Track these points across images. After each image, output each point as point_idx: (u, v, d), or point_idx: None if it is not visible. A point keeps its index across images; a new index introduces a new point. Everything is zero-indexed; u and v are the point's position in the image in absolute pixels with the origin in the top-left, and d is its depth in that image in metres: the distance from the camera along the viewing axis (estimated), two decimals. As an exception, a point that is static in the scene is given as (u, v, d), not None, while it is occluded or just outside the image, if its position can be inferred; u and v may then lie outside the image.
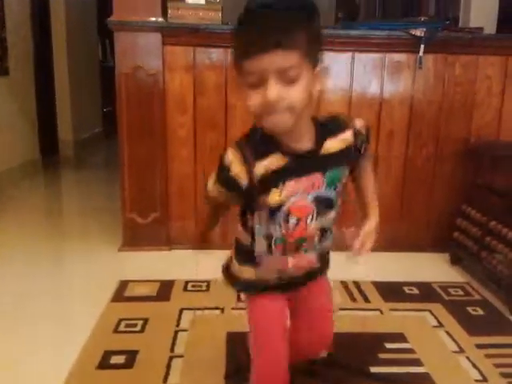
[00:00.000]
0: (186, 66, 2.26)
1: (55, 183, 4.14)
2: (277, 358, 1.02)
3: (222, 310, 1.84)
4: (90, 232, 2.72)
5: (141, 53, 2.21)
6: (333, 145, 0.94)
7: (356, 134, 0.98)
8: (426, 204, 2.48)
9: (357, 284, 2.10)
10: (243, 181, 0.88)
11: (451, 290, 2.08)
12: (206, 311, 1.83)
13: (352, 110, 2.35)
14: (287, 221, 0.93)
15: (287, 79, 0.79)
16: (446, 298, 2.02)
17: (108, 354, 1.54)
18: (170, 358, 1.53)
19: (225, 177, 0.90)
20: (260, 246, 0.98)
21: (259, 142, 0.88)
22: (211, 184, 0.96)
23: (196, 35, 2.21)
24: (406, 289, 2.08)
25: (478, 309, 1.94)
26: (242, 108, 2.32)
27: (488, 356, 1.61)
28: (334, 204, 0.98)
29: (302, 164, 0.90)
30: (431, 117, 2.39)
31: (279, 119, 0.82)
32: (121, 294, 1.96)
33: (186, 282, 2.05)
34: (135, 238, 2.41)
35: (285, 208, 0.91)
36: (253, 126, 0.91)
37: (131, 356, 1.53)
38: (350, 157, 0.98)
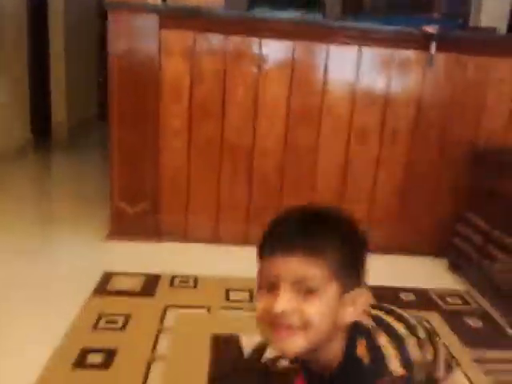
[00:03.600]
0: (183, 52, 2.15)
1: (46, 166, 4.04)
2: None
3: (209, 309, 1.76)
4: (78, 218, 2.63)
5: (136, 35, 2.10)
6: None
7: None
8: (428, 208, 2.39)
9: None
10: None
11: (449, 299, 2.00)
12: (192, 310, 1.75)
13: (356, 107, 2.25)
14: None
15: (305, 290, 0.68)
16: (443, 306, 1.94)
17: (85, 352, 1.45)
18: (151, 360, 1.44)
19: None
20: None
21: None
22: None
23: (196, 19, 2.11)
24: (402, 295, 2.00)
25: (476, 320, 1.86)
26: (243, 97, 2.23)
27: (487, 373, 1.53)
28: None
29: None
30: (438, 119, 2.29)
31: (290, 340, 0.68)
32: (104, 286, 1.87)
33: (173, 277, 1.96)
34: (123, 228, 2.31)
35: None
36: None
37: (109, 355, 1.44)
38: None
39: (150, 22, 2.08)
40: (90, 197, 3.00)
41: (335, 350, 0.74)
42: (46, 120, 4.66)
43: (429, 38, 2.14)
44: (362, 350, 0.74)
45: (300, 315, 0.67)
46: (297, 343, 0.68)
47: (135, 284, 1.90)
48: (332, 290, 0.69)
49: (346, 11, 5.47)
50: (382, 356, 0.75)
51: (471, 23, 3.66)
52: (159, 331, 1.59)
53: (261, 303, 0.69)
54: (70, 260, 2.12)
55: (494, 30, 2.41)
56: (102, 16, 5.61)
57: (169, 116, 2.22)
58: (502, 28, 3.48)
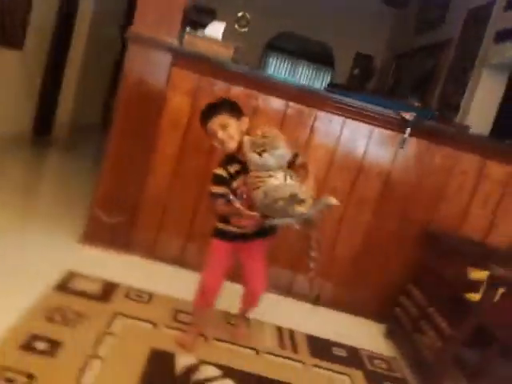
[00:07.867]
0: (188, 90, 2.38)
1: (39, 162, 4.19)
2: (217, 271, 1.82)
3: (155, 325, 1.91)
4: (56, 217, 2.78)
5: (149, 67, 2.34)
6: None
7: None
8: (378, 275, 2.58)
9: (291, 332, 2.18)
10: (226, 176, 1.70)
11: (376, 361, 2.16)
12: (139, 322, 1.90)
13: (331, 170, 2.47)
14: (241, 196, 1.67)
15: (225, 127, 1.71)
16: (369, 367, 2.10)
17: (33, 338, 1.60)
18: (90, 358, 1.59)
19: (220, 179, 1.70)
20: None
21: (228, 159, 1.73)
22: (215, 189, 1.71)
23: (204, 64, 2.35)
24: (334, 349, 2.16)
25: (394, 386, 2.02)
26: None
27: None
28: None
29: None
30: (402, 196, 2.52)
31: (231, 142, 1.70)
32: (66, 284, 2.02)
33: (130, 289, 2.12)
34: (97, 234, 2.48)
35: (239, 190, 1.69)
36: (225, 154, 1.74)
37: (55, 346, 1.60)
38: None
39: (164, 58, 2.33)
40: (74, 198, 3.15)
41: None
42: (49, 118, 4.84)
43: (405, 123, 2.39)
44: None
45: (228, 137, 1.69)
46: (234, 142, 1.69)
47: (94, 288, 2.05)
48: (234, 121, 1.70)
49: (354, 75, 5.85)
50: None
51: (460, 114, 3.97)
52: (104, 334, 1.74)
53: (218, 139, 1.70)
54: (40, 255, 2.24)
55: (467, 127, 2.65)
56: (123, 41, 5.94)
57: (164, 143, 2.44)
58: (486, 128, 3.81)
